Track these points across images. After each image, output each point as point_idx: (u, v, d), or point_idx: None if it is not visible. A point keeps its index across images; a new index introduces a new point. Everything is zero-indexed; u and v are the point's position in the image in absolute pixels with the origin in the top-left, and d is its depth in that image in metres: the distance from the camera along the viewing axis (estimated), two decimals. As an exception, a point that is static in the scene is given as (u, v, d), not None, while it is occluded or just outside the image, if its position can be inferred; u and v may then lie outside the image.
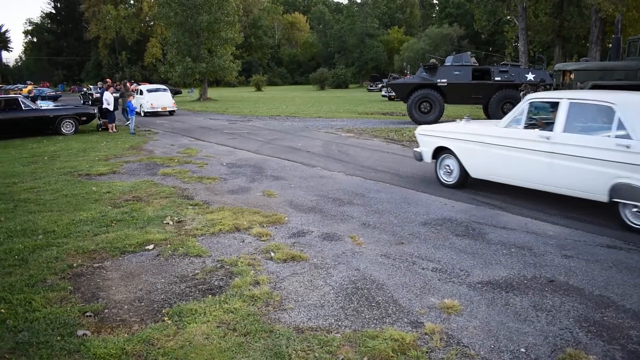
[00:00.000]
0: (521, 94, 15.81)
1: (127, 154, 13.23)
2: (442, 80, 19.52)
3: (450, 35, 68.03)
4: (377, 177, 9.77)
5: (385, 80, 45.18)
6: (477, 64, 21.23)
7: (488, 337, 3.76)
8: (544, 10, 35.88)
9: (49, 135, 17.54)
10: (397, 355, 3.51)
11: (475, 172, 8.34)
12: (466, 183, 8.65)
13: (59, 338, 3.80)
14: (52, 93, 45.88)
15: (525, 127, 7.52)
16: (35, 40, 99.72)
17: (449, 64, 20.34)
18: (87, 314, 4.20)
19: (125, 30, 75.67)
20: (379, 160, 11.67)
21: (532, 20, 36.12)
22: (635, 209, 6.20)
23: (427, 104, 19.90)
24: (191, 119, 25.19)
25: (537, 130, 7.32)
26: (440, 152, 8.89)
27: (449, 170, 8.79)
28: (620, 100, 6.51)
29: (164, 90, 28.50)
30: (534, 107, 7.72)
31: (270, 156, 12.53)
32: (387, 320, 4.04)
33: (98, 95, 38.65)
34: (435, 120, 19.98)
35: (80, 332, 3.89)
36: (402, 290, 4.59)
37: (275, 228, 6.53)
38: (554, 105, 7.29)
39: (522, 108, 7.64)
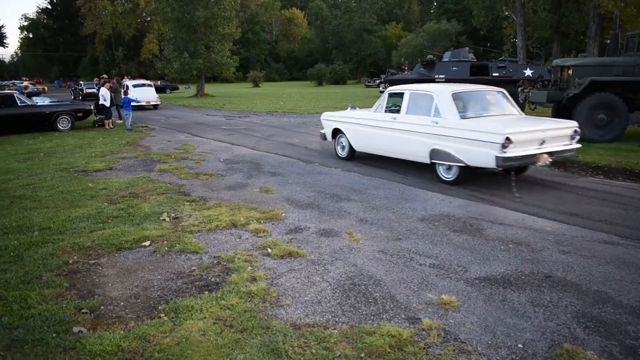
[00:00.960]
0: (519, 89, 15.78)
1: (123, 150, 13.19)
2: (440, 76, 19.54)
3: (449, 31, 67.87)
4: (375, 173, 9.75)
5: (383, 76, 45.15)
6: (475, 60, 21.24)
7: (485, 332, 3.75)
8: (543, 6, 35.83)
9: (45, 132, 17.48)
10: (394, 351, 3.50)
11: (357, 146, 10.88)
12: (354, 156, 11.16)
13: (54, 335, 3.78)
14: (34, 89, 45.89)
15: (385, 112, 9.90)
16: (31, 36, 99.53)
17: (447, 59, 20.36)
18: (83, 310, 4.18)
19: (122, 26, 75.39)
20: (376, 156, 11.64)
21: (531, 16, 36.08)
22: (443, 167, 8.75)
23: (425, 100, 19.88)
24: (188, 115, 25.13)
25: (391, 113, 9.71)
26: (336, 132, 11.40)
27: (343, 146, 11.29)
28: (436, 89, 9.04)
29: (149, 85, 31.38)
30: (391, 96, 9.95)
31: (268, 152, 12.50)
32: (385, 316, 4.02)
33: (90, 90, 38.75)
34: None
35: (75, 329, 3.87)
36: (400, 286, 4.57)
37: (273, 224, 6.51)
38: (402, 95, 9.57)
39: (384, 97, 10.07)
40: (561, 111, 15.00)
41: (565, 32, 37.78)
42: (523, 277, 4.72)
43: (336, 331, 3.79)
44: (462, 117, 8.41)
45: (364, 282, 4.67)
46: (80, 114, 18.75)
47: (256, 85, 68.65)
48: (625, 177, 9.19)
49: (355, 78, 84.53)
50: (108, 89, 19.17)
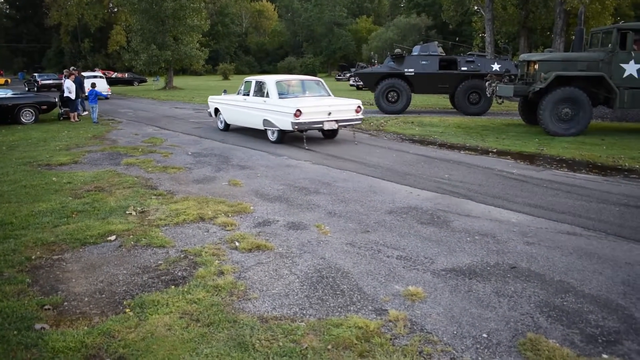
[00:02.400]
0: (487, 83, 15.96)
1: (89, 144, 12.94)
2: (410, 70, 19.61)
3: (418, 25, 68.37)
4: (344, 166, 9.77)
5: (353, 69, 45.21)
6: (444, 54, 21.38)
7: (451, 323, 3.80)
8: (511, 1, 36.32)
9: (8, 125, 17.02)
10: (361, 342, 3.51)
11: (229, 120, 14.85)
12: (228, 128, 15.10)
13: (15, 332, 3.69)
14: None
15: (243, 95, 13.60)
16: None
17: (416, 53, 20.44)
18: (46, 307, 4.09)
19: (88, 17, 73.75)
20: (345, 149, 11.68)
21: (499, 11, 36.53)
22: (270, 131, 12.65)
23: (395, 94, 20.00)
24: (156, 107, 24.77)
25: (244, 96, 13.48)
26: (217, 111, 15.33)
27: (221, 121, 15.14)
28: (267, 79, 13.08)
29: (101, 77, 32.72)
30: (245, 84, 13.73)
31: (237, 145, 12.41)
32: (352, 308, 4.04)
33: (45, 82, 37.92)
34: (402, 110, 20.11)
35: (38, 326, 3.78)
36: (367, 278, 4.60)
37: (241, 217, 6.47)
38: (250, 82, 13.44)
39: (241, 85, 13.95)
40: (527, 105, 15.27)
41: (532, 27, 38.41)
42: (488, 268, 4.80)
43: (303, 324, 3.79)
44: (280, 98, 12.30)
45: (332, 274, 4.68)
46: (44, 107, 18.27)
47: (226, 78, 68.04)
48: (589, 170, 9.40)
49: (325, 71, 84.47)
50: (73, 81, 18.74)
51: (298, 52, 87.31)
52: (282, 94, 12.48)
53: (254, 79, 13.47)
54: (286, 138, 12.65)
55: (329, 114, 11.93)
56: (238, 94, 13.95)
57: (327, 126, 12.03)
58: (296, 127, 11.51)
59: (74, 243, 5.54)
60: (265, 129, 12.69)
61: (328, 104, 12.24)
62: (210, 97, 16.19)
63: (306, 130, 11.97)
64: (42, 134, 14.79)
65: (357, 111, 12.42)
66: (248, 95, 13.26)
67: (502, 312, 3.95)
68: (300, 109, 11.43)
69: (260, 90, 12.85)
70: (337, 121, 12.04)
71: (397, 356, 3.36)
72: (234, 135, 14.11)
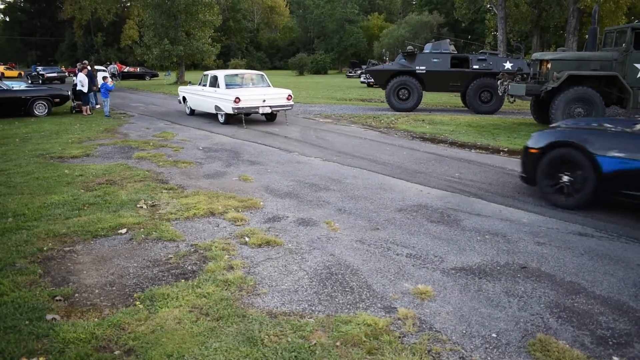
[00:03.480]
0: (499, 82, 15.87)
1: (101, 137, 13.02)
2: (421, 68, 19.53)
3: (430, 23, 68.00)
4: (354, 163, 9.76)
5: (364, 66, 45.10)
6: (456, 52, 21.26)
7: (460, 322, 3.79)
8: (524, -1, 36.11)
9: (21, 117, 17.18)
10: (370, 340, 3.52)
11: (192, 107, 17.85)
12: (194, 113, 18.08)
13: (27, 322, 3.73)
14: None
15: (202, 86, 16.49)
16: (7, 19, 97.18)
17: (427, 51, 20.35)
18: (57, 298, 4.13)
19: (101, 11, 73.81)
20: (356, 147, 11.67)
21: (512, 9, 36.29)
22: (220, 114, 15.70)
23: (406, 91, 19.92)
24: (168, 102, 24.84)
25: (202, 86, 16.45)
26: (184, 99, 18.34)
27: (188, 107, 18.18)
28: (219, 73, 15.98)
29: (103, 70, 33.08)
30: (204, 77, 16.63)
31: (247, 141, 12.44)
32: (361, 305, 4.04)
33: (50, 75, 38.18)
34: (413, 108, 20.05)
35: (49, 317, 3.82)
36: (376, 275, 4.59)
37: (251, 213, 6.49)
38: (207, 75, 16.37)
39: (201, 77, 16.88)
40: (540, 105, 15.16)
41: (545, 26, 38.16)
42: (498, 268, 4.78)
43: (312, 320, 3.79)
44: (227, 88, 15.24)
45: (341, 271, 4.69)
46: (57, 100, 18.42)
47: (237, 73, 68.00)
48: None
49: (336, 68, 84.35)
50: (86, 75, 18.82)
51: (309, 48, 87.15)
52: (229, 85, 15.40)
53: (210, 73, 16.51)
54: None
55: (264, 101, 14.91)
56: (198, 85, 17.12)
57: (261, 110, 15.05)
58: (236, 111, 14.54)
59: (85, 235, 5.58)
60: (217, 113, 15.84)
61: (263, 93, 15.15)
62: (179, 87, 19.88)
63: (247, 115, 15.51)
64: (54, 126, 14.90)
65: (288, 99, 15.44)
66: (205, 86, 16.30)
67: (512, 312, 3.94)
68: (239, 97, 14.38)
69: (214, 82, 15.76)
70: (270, 107, 15.10)
71: (405, 354, 3.36)
72: (244, 131, 14.14)
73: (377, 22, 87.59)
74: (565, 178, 6.69)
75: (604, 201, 6.61)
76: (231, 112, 14.60)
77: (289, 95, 15.49)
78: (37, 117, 17.34)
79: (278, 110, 15.61)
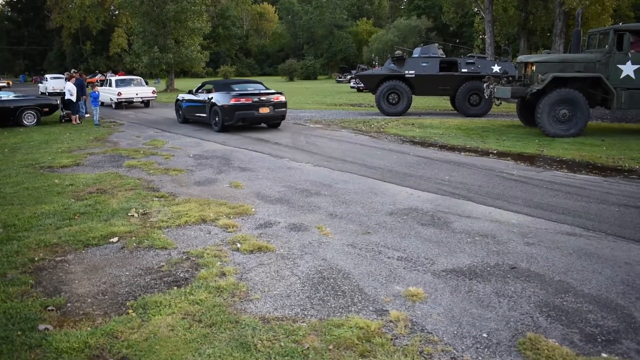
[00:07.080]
0: (485, 85, 15.98)
1: (91, 146, 12.99)
2: (410, 72, 19.64)
3: (419, 27, 68.41)
4: (345, 167, 9.81)
5: (353, 71, 45.22)
6: (445, 56, 21.41)
7: (451, 323, 3.83)
8: (511, 3, 36.35)
9: (10, 127, 17.09)
10: (362, 342, 3.54)
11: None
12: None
13: (19, 333, 3.73)
14: None
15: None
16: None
17: (416, 55, 20.47)
18: (49, 308, 4.12)
19: (90, 20, 73.67)
20: (346, 151, 11.72)
21: (499, 12, 36.55)
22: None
23: (395, 96, 20.02)
24: (157, 110, 24.79)
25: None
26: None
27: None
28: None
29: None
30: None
31: (238, 147, 12.45)
32: (353, 308, 4.07)
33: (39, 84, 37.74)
34: (403, 112, 20.14)
35: (41, 327, 3.81)
36: (368, 279, 4.63)
37: (242, 219, 6.51)
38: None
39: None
40: (525, 106, 15.29)
41: (532, 29, 38.40)
42: (488, 269, 4.83)
43: (305, 324, 3.82)
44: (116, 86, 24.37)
45: (333, 275, 4.71)
46: (46, 109, 18.34)
47: (227, 80, 68.01)
48: (589, 171, 9.43)
49: (326, 73, 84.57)
50: (74, 84, 18.79)
51: (299, 54, 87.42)
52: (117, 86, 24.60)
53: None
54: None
55: (137, 94, 24.86)
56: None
57: (135, 100, 24.98)
58: (118, 101, 24.30)
59: (76, 245, 5.58)
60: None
61: (135, 89, 25.03)
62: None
63: (128, 104, 24.78)
64: (44, 136, 14.85)
65: (153, 93, 25.41)
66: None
67: (502, 312, 3.98)
68: (121, 92, 24.20)
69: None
70: (142, 98, 25.32)
71: (397, 356, 3.39)
72: (234, 138, 14.15)
73: (365, 27, 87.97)
74: None
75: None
76: (110, 102, 24.49)
77: (153, 90, 25.67)
78: (26, 127, 17.26)
79: (148, 100, 25.52)
